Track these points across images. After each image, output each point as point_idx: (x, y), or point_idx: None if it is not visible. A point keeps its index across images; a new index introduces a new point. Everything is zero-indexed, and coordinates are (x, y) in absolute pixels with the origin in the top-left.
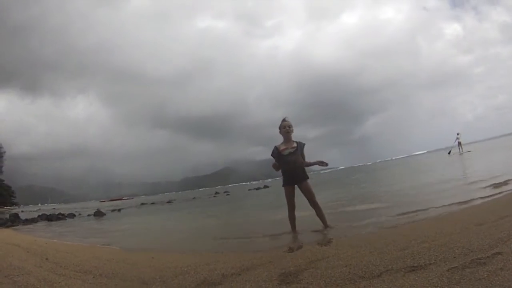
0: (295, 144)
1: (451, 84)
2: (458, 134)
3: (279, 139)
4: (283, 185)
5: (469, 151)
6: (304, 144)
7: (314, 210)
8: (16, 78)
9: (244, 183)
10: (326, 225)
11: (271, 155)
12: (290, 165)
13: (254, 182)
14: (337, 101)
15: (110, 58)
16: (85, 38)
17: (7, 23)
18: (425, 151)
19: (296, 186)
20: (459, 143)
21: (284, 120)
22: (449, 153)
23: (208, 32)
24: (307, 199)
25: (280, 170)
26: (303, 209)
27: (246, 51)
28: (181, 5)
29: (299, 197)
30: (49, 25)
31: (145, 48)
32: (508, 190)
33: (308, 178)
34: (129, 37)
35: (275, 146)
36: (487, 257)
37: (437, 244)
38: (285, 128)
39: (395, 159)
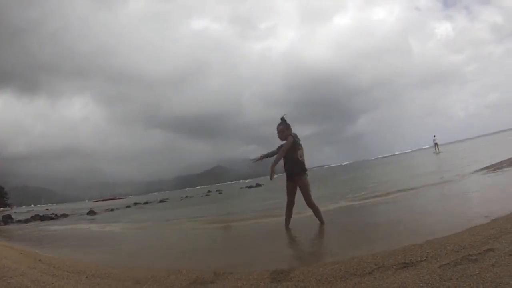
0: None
1: (443, 83)
2: (434, 136)
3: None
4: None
5: (442, 152)
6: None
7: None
8: (13, 79)
9: (236, 182)
10: (322, 222)
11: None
12: (287, 161)
13: (247, 180)
14: (330, 100)
15: (107, 60)
16: (82, 40)
17: (6, 25)
18: (412, 150)
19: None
20: (436, 144)
21: (282, 123)
22: (434, 152)
23: (203, 34)
24: (303, 198)
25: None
26: (301, 208)
27: (241, 53)
28: (176, 8)
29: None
30: (48, 27)
31: (141, 50)
32: None
33: (301, 173)
34: (126, 39)
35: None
36: (479, 253)
37: (428, 240)
38: (278, 134)
39: (381, 157)
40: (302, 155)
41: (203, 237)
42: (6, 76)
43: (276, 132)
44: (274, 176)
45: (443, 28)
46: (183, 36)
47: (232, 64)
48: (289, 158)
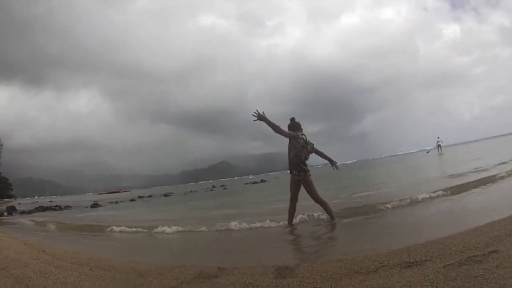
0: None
1: (449, 84)
2: (438, 138)
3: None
4: None
5: (442, 154)
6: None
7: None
8: (20, 72)
9: (241, 177)
10: (332, 218)
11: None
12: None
13: (251, 176)
14: (336, 98)
15: (114, 54)
16: (89, 35)
17: (13, 18)
18: (416, 150)
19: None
20: (439, 146)
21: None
22: (427, 152)
23: (211, 31)
24: (310, 196)
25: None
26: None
27: (247, 49)
28: (184, 4)
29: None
30: (55, 21)
31: (147, 45)
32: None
33: (297, 174)
34: (133, 34)
35: None
36: (483, 255)
37: (433, 241)
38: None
39: (384, 157)
40: (293, 157)
41: (207, 234)
42: (13, 69)
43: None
44: (254, 117)
45: (451, 30)
46: (190, 31)
47: (239, 60)
48: (289, 157)
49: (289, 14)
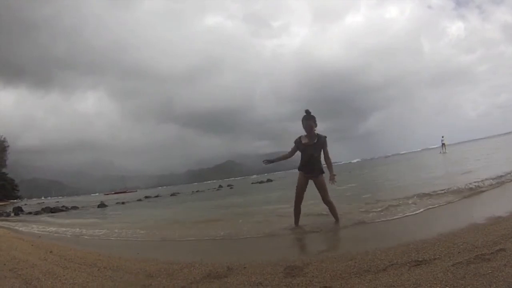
0: (316, 140)
1: (454, 82)
2: (442, 137)
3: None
4: (298, 169)
5: (446, 152)
6: (325, 137)
7: (327, 206)
8: (27, 74)
9: (248, 177)
10: (337, 220)
11: (294, 142)
12: (308, 157)
13: (253, 176)
14: (341, 97)
15: (121, 56)
16: (97, 36)
17: (21, 20)
18: (420, 149)
19: (311, 180)
20: (443, 144)
21: (307, 115)
22: (440, 152)
23: (217, 31)
24: (320, 195)
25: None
26: (312, 198)
27: (253, 50)
28: (191, 5)
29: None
30: (63, 23)
31: (155, 46)
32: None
33: (323, 172)
34: (141, 35)
35: (299, 137)
36: (491, 253)
37: (441, 239)
38: (309, 126)
39: (390, 156)
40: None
41: (215, 232)
42: (20, 71)
43: (302, 126)
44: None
45: (455, 28)
46: (197, 32)
47: (245, 60)
48: (314, 156)
49: (295, 15)
